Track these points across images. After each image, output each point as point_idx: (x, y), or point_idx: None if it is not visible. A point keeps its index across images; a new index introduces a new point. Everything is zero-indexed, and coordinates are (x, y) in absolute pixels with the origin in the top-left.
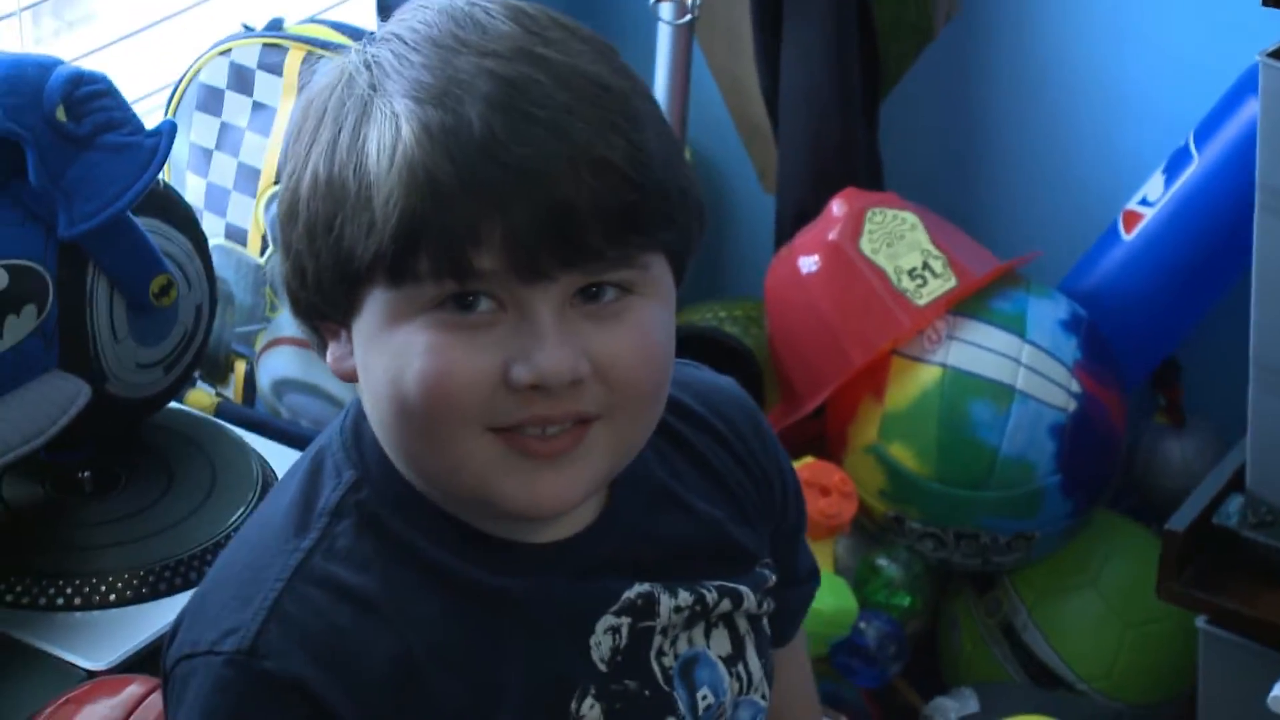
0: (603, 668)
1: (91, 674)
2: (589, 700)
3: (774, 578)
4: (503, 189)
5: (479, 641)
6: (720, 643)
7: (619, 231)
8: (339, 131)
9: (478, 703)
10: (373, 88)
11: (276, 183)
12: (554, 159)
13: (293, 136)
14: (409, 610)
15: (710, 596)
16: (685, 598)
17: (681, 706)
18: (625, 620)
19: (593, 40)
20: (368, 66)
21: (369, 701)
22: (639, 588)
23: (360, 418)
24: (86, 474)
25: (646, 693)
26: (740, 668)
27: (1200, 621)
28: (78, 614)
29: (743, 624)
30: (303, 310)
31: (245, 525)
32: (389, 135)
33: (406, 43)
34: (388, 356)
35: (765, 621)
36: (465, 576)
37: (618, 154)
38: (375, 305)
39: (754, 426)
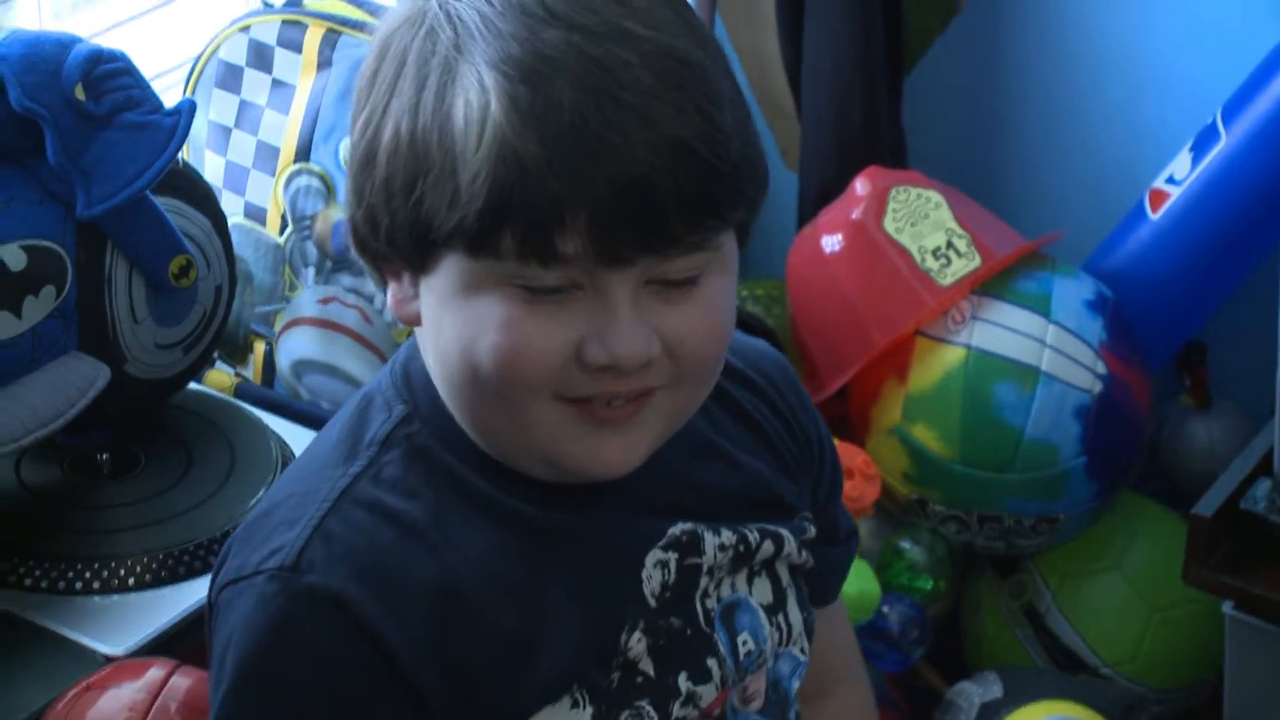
0: (653, 602)
1: (110, 659)
2: (637, 634)
3: (814, 530)
4: (590, 175)
5: (530, 572)
6: (762, 591)
7: (698, 217)
8: (422, 89)
9: (527, 632)
10: (457, 49)
11: (296, 161)
12: (641, 147)
13: (367, 78)
14: (457, 539)
15: (752, 537)
16: (728, 536)
17: (722, 649)
18: (673, 555)
19: (673, 2)
20: (450, 22)
21: (409, 623)
22: (682, 525)
23: (411, 360)
24: (105, 456)
25: (689, 632)
26: (781, 618)
27: (1227, 607)
28: (96, 598)
29: (785, 575)
30: (368, 252)
31: (293, 463)
32: (477, 107)
33: (492, 3)
34: (461, 322)
35: (804, 578)
36: (515, 509)
37: (700, 140)
38: (451, 269)
39: (790, 382)
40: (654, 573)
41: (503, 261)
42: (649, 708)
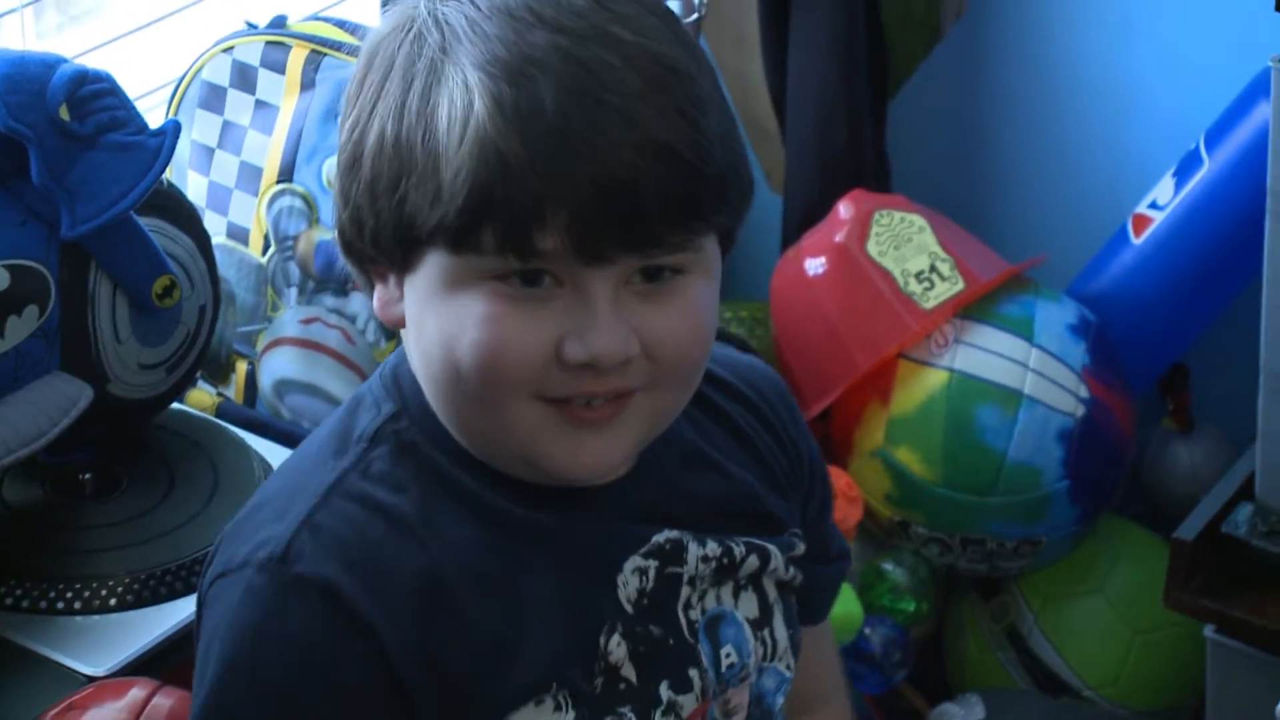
0: (629, 608)
1: (91, 679)
2: (616, 638)
3: (803, 547)
4: (571, 174)
5: (511, 569)
6: (748, 605)
7: (680, 217)
8: (408, 92)
9: (507, 629)
10: (443, 50)
11: (279, 181)
12: (622, 147)
13: (355, 84)
14: (443, 533)
15: (738, 550)
16: (713, 548)
17: (704, 660)
18: (653, 564)
19: (659, 11)
20: (438, 25)
21: (397, 613)
22: (668, 533)
23: (400, 364)
24: (87, 476)
25: (671, 641)
26: (766, 633)
27: (1208, 631)
28: (78, 618)
29: (772, 591)
30: (354, 255)
31: (283, 461)
32: (460, 107)
33: (479, 8)
34: (443, 319)
35: (793, 595)
36: (498, 507)
37: (683, 142)
38: (434, 267)
39: (782, 398)
40: (630, 579)
41: (483, 257)
42: (631, 714)
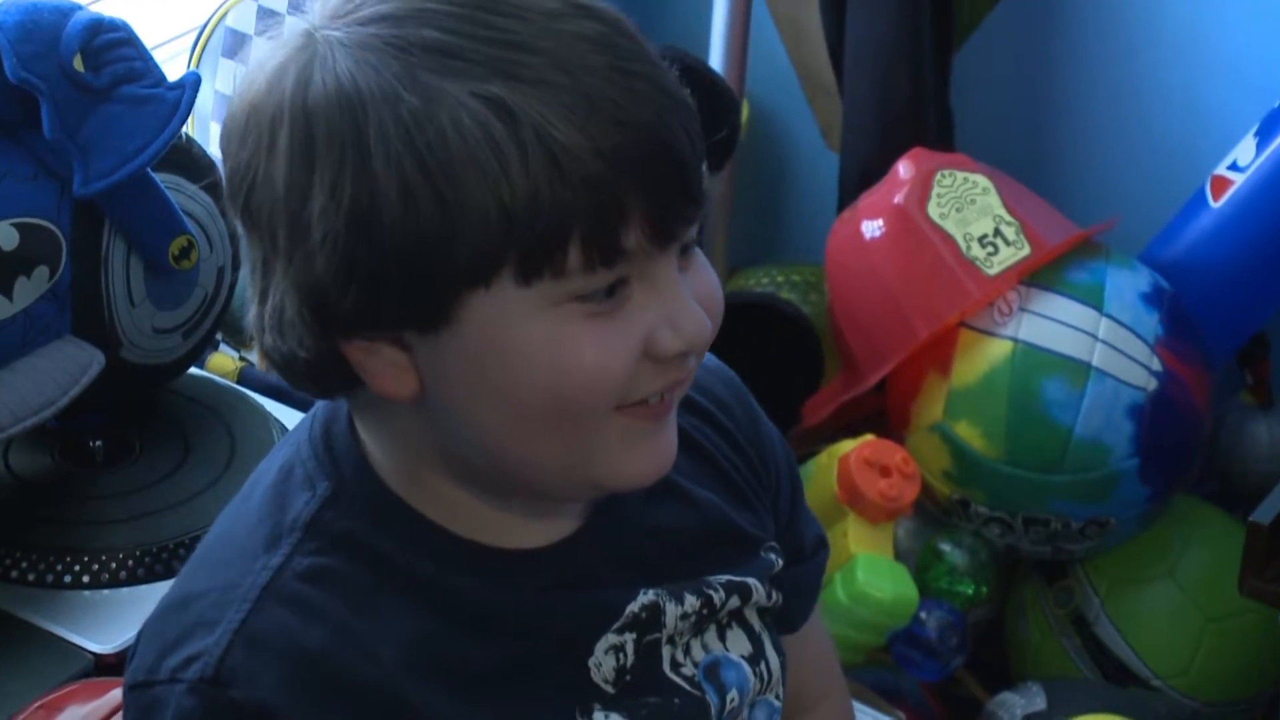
0: (609, 689)
1: (99, 657)
2: (600, 714)
3: (780, 563)
4: (636, 157)
5: (469, 656)
6: (738, 643)
7: (700, 168)
8: (409, 133)
9: (473, 716)
10: (425, 70)
11: None
12: (662, 112)
13: (301, 148)
14: (388, 630)
15: (717, 596)
16: (692, 603)
17: (713, 708)
18: (629, 637)
19: None
20: (405, 50)
21: None
22: (643, 598)
23: (330, 424)
24: (98, 443)
25: (677, 701)
26: (762, 666)
27: None
28: (86, 593)
29: (756, 621)
30: (359, 331)
31: (208, 540)
32: (499, 122)
33: (441, 13)
34: (511, 364)
35: (773, 616)
36: (451, 590)
37: (681, 88)
38: (488, 309)
39: (737, 396)
40: (604, 659)
41: (563, 280)
42: None
